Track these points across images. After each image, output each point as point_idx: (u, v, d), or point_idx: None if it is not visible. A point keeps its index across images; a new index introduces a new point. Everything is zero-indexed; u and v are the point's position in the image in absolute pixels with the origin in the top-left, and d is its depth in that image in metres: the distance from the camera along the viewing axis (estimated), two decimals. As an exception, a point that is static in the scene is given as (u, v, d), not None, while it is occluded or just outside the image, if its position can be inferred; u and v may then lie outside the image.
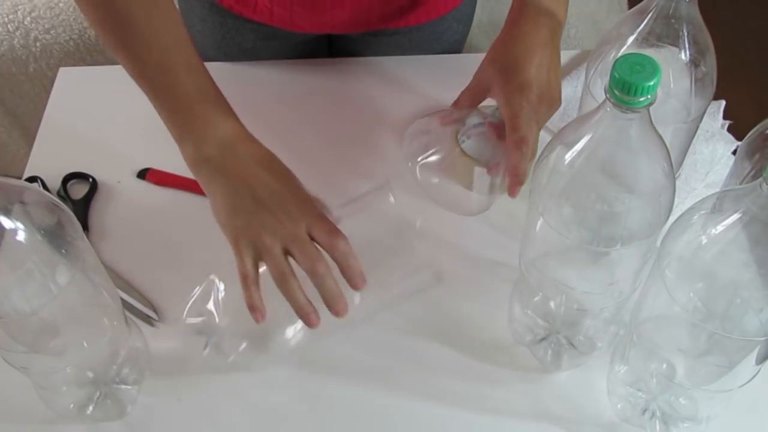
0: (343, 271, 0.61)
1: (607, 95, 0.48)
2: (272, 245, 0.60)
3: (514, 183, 0.69)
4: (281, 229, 0.60)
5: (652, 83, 0.46)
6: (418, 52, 0.95)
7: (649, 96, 0.47)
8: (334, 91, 0.90)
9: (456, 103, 0.78)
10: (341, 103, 0.89)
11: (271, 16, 0.90)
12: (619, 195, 0.54)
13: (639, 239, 0.55)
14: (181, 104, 0.64)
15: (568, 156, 0.54)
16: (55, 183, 0.81)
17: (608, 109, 0.49)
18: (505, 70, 0.71)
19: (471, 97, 0.77)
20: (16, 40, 1.31)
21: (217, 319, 0.64)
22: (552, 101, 0.71)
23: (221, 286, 0.64)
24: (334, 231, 0.61)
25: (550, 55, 0.71)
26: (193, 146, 0.64)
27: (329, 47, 1.01)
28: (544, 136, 0.83)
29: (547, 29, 0.72)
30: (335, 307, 0.60)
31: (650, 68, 0.47)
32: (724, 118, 0.85)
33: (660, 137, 0.51)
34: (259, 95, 0.89)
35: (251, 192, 0.61)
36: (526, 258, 0.63)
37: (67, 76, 0.93)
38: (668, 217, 0.55)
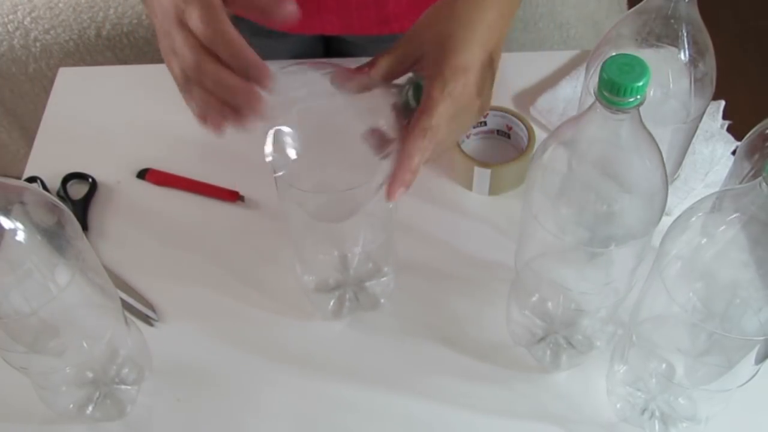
0: (234, 62, 0.51)
1: (597, 96, 0.48)
2: (170, 62, 0.53)
3: (398, 182, 0.55)
4: (169, 44, 0.53)
5: (640, 84, 0.46)
6: None
7: (638, 96, 0.47)
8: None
9: (372, 67, 0.61)
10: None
11: None
12: (612, 195, 0.54)
13: (634, 238, 0.55)
14: None
15: (562, 156, 0.54)
16: (54, 183, 0.81)
17: (598, 109, 0.49)
18: (442, 42, 0.57)
19: (392, 67, 0.61)
20: (16, 40, 1.31)
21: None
22: (481, 107, 0.58)
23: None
24: (212, 19, 0.50)
25: (496, 43, 0.59)
26: None
27: (326, 49, 1.01)
28: (542, 136, 0.83)
29: (495, 8, 0.58)
30: (248, 104, 0.51)
31: (639, 69, 0.47)
32: (724, 118, 0.85)
33: (651, 137, 0.51)
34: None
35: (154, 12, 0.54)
36: (522, 259, 0.63)
37: (67, 76, 0.93)
38: (662, 216, 0.55)
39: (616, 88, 0.47)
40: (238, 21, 0.98)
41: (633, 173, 0.53)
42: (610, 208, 0.55)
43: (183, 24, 0.51)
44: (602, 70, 0.47)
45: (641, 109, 0.49)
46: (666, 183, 0.54)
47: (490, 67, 0.58)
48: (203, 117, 0.53)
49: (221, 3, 0.51)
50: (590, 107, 0.50)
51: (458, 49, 0.56)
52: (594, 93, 0.48)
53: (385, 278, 0.71)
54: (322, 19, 0.89)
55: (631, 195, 0.54)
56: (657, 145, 0.52)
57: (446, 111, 0.55)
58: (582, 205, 0.55)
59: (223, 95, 0.51)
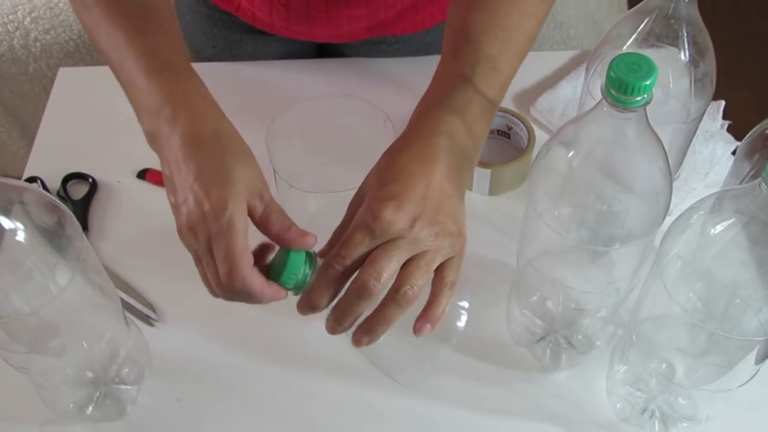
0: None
1: (604, 95, 0.48)
2: (188, 249, 0.56)
3: (309, 309, 0.54)
4: (189, 239, 0.55)
5: (648, 82, 0.46)
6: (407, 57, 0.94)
7: (645, 95, 0.47)
8: (328, 91, 0.90)
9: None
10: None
11: (253, 18, 0.90)
12: (616, 194, 0.54)
13: (637, 238, 0.55)
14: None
15: (566, 155, 0.54)
16: (55, 183, 0.81)
17: (605, 108, 0.49)
18: (379, 177, 0.55)
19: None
20: (16, 40, 1.31)
21: None
22: (445, 231, 0.53)
23: None
24: (229, 259, 0.51)
25: (445, 174, 0.54)
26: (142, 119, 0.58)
27: (319, 48, 1.01)
28: (542, 136, 0.83)
29: (445, 137, 0.56)
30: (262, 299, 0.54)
31: (646, 67, 0.47)
32: (724, 118, 0.85)
33: (657, 136, 0.51)
34: (255, 94, 0.89)
35: (172, 185, 0.55)
36: (524, 257, 0.63)
37: (67, 76, 0.93)
38: (666, 216, 0.55)
39: (623, 86, 0.46)
40: (230, 17, 0.99)
41: (638, 173, 0.53)
42: (615, 208, 0.55)
43: (209, 250, 0.53)
44: (610, 68, 0.47)
45: (643, 108, 0.49)
46: (670, 183, 0.54)
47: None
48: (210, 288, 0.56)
49: (243, 228, 0.53)
50: (596, 106, 0.50)
51: (391, 179, 0.54)
52: (601, 92, 0.48)
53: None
54: (311, 29, 0.89)
55: (636, 194, 0.54)
56: (662, 144, 0.52)
57: (376, 232, 0.51)
58: (586, 205, 0.55)
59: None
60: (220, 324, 0.71)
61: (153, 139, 0.57)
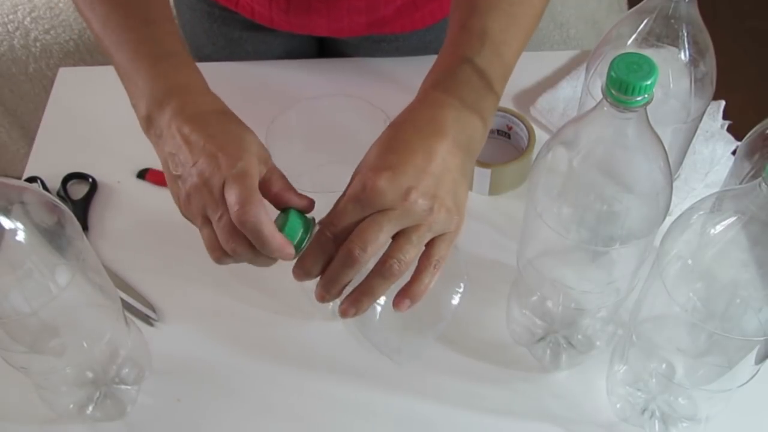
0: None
1: (604, 94, 0.48)
2: (195, 218, 0.55)
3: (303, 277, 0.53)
4: (196, 201, 0.54)
5: (649, 82, 0.46)
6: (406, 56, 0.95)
7: (646, 95, 0.47)
8: (328, 91, 0.90)
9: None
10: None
11: (252, 12, 0.90)
12: (617, 194, 0.54)
13: (637, 238, 0.55)
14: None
15: (566, 155, 0.54)
16: (55, 183, 0.81)
17: (605, 108, 0.49)
18: (379, 147, 0.54)
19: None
20: (16, 40, 1.31)
21: None
22: (442, 207, 0.52)
23: None
24: (242, 198, 0.51)
25: (448, 149, 0.53)
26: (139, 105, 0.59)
27: (319, 45, 1.01)
28: (542, 136, 0.83)
29: (452, 110, 0.55)
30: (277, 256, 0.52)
31: (647, 67, 0.47)
32: (724, 118, 0.85)
33: (657, 136, 0.51)
34: (255, 94, 0.89)
35: (176, 159, 0.55)
36: (524, 257, 0.63)
37: (67, 76, 0.93)
38: (666, 216, 0.55)
39: (624, 86, 0.46)
40: (230, 14, 0.99)
41: (639, 172, 0.53)
42: (615, 208, 0.55)
43: (222, 198, 0.52)
44: (610, 68, 0.47)
45: (643, 108, 0.49)
46: (671, 182, 0.54)
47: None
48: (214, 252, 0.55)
49: (256, 175, 0.53)
50: (596, 106, 0.50)
51: (390, 149, 0.54)
52: (601, 91, 0.48)
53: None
54: (311, 21, 0.89)
55: (636, 194, 0.54)
56: (663, 145, 0.52)
57: (365, 202, 0.51)
58: (586, 204, 0.55)
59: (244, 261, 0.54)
60: (220, 324, 0.71)
61: (151, 124, 0.57)
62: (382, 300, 0.56)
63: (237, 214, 0.51)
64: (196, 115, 0.55)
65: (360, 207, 0.51)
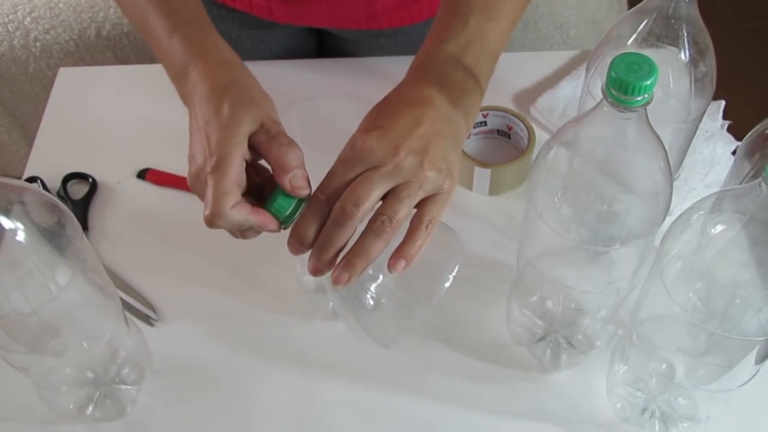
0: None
1: (604, 94, 0.48)
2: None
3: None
4: (195, 186, 0.56)
5: (649, 82, 0.46)
6: (405, 55, 0.95)
7: (646, 95, 0.47)
8: (328, 91, 0.90)
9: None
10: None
11: (251, 5, 0.90)
12: (617, 194, 0.54)
13: (637, 238, 0.55)
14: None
15: (566, 155, 0.54)
16: (55, 183, 0.81)
17: (605, 108, 0.49)
18: (367, 117, 0.56)
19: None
20: (16, 40, 1.31)
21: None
22: (432, 165, 0.52)
23: None
24: (212, 196, 0.52)
25: (436, 116, 0.54)
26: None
27: (318, 43, 1.01)
28: (542, 136, 0.83)
29: (435, 85, 0.56)
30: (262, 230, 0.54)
31: (647, 67, 0.47)
32: (724, 118, 0.85)
33: (657, 136, 0.51)
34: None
35: (191, 141, 0.57)
36: (524, 257, 0.63)
37: (67, 76, 0.93)
38: (666, 216, 0.55)
39: (624, 86, 0.46)
40: (228, 12, 0.98)
41: (638, 172, 0.53)
42: (615, 208, 0.55)
43: (203, 179, 0.53)
44: (610, 68, 0.47)
45: (643, 108, 0.49)
46: (670, 183, 0.54)
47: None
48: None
49: (230, 166, 0.53)
50: (596, 106, 0.50)
51: (379, 115, 0.55)
52: (601, 91, 0.48)
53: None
54: (311, 10, 0.89)
55: (636, 194, 0.54)
56: (663, 145, 0.52)
57: (353, 161, 0.52)
58: (586, 204, 0.55)
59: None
60: (220, 324, 0.71)
61: (184, 101, 0.59)
62: (373, 287, 0.56)
63: (204, 219, 0.52)
64: (206, 93, 0.56)
65: (350, 166, 0.52)
